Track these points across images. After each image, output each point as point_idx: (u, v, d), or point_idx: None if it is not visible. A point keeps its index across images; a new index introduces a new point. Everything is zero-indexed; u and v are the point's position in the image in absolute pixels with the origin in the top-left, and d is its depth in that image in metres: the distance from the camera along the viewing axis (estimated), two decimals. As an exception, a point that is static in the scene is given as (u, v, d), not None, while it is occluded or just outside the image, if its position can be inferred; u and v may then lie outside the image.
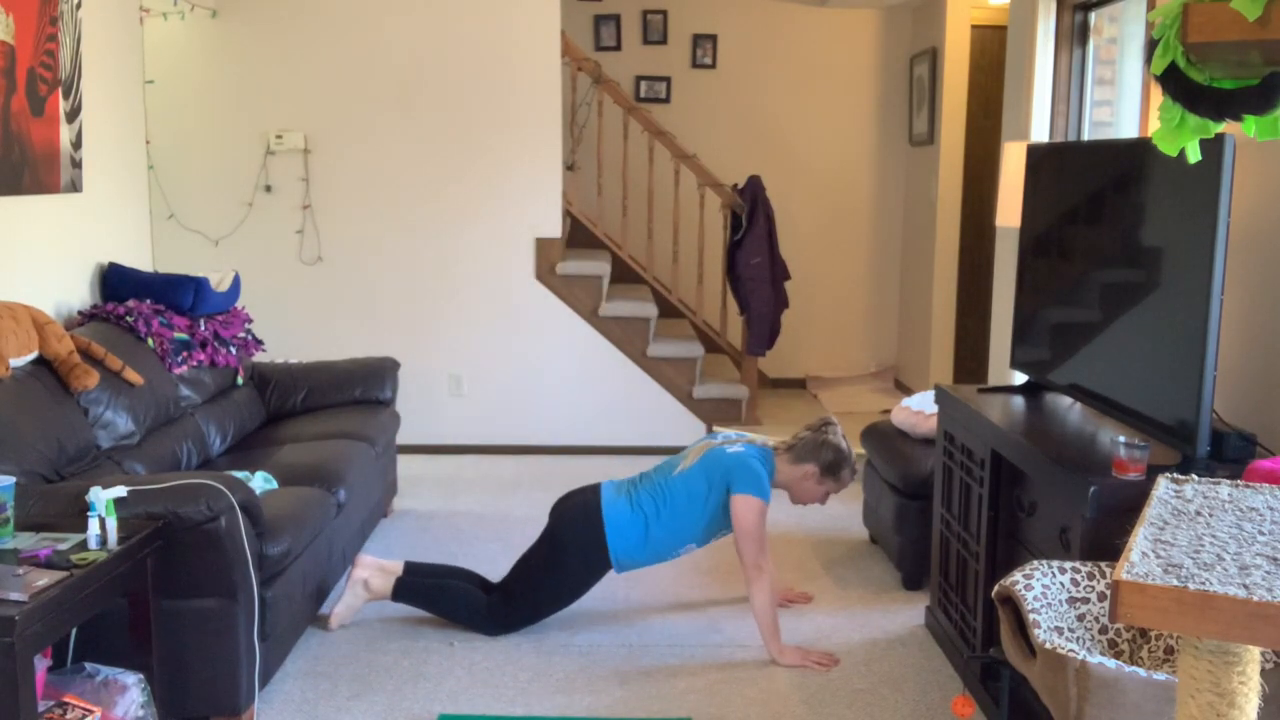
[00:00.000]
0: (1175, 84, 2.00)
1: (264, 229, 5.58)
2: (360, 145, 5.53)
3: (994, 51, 6.25)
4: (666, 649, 3.38)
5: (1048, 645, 1.92)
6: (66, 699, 2.49)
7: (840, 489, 3.47)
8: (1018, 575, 2.15)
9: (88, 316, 3.86)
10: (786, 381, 7.12)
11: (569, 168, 6.23)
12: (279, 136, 5.49)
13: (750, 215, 5.79)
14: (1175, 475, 1.80)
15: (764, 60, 6.90)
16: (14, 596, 2.19)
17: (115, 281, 4.12)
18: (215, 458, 3.93)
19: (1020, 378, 3.81)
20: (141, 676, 2.64)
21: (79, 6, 3.94)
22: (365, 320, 5.66)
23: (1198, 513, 1.62)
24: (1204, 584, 1.34)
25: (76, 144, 3.94)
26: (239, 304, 5.39)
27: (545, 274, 5.63)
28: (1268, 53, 1.87)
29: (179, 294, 4.09)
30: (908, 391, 6.78)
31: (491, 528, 4.50)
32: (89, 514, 2.52)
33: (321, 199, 5.57)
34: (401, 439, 5.57)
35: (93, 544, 2.50)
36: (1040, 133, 4.32)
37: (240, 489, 2.81)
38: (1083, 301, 2.94)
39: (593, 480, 5.15)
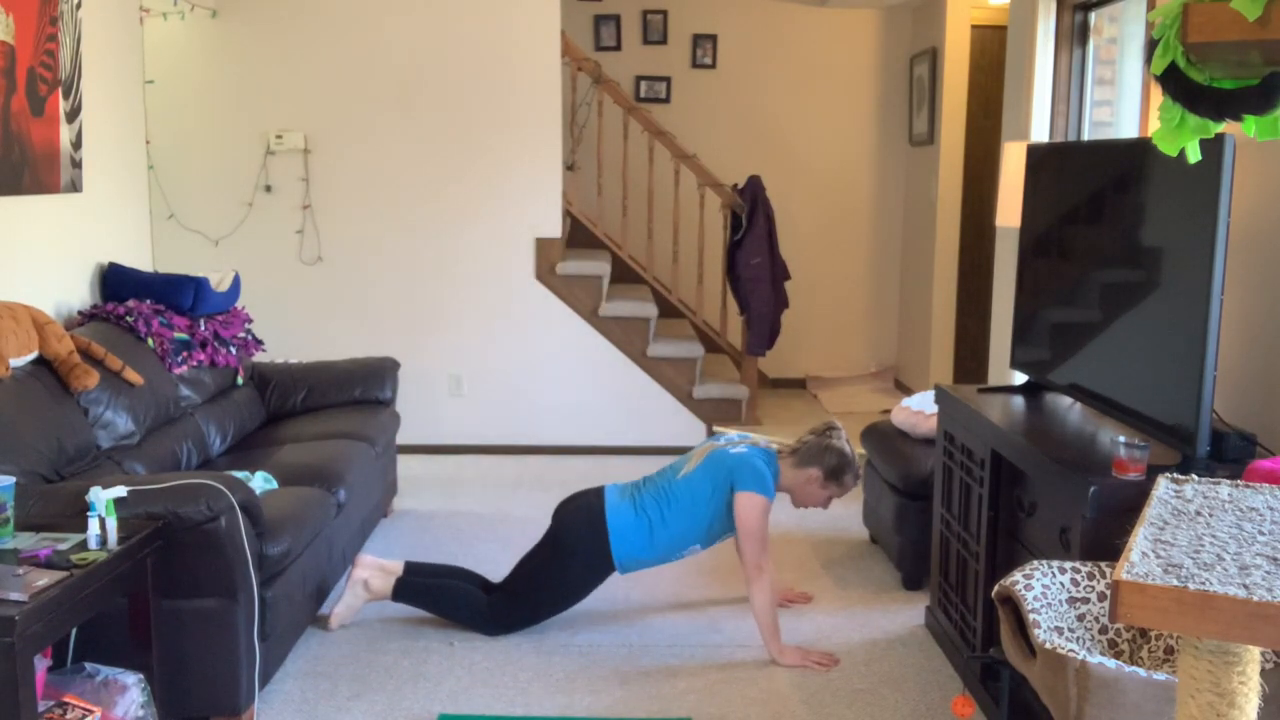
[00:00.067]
0: (1175, 84, 2.00)
1: (264, 229, 5.58)
2: (360, 145, 5.53)
3: (994, 51, 6.25)
4: (666, 649, 3.38)
5: (1048, 645, 1.92)
6: (66, 699, 2.49)
7: (843, 493, 3.47)
8: (1018, 575, 2.15)
9: (88, 316, 3.86)
10: (786, 381, 7.13)
11: (569, 168, 6.23)
12: (279, 136, 5.49)
13: (750, 215, 5.79)
14: (1175, 475, 1.80)
15: (764, 60, 6.90)
16: (14, 596, 2.19)
17: (115, 281, 4.12)
18: (215, 458, 3.93)
19: (1020, 378, 3.80)
20: (141, 676, 2.64)
21: (79, 6, 3.94)
22: (365, 320, 5.66)
23: (1198, 513, 1.62)
24: (1204, 584, 1.34)
25: (76, 144, 3.94)
26: (239, 304, 5.39)
27: (545, 274, 5.63)
28: (1268, 53, 1.87)
29: (179, 294, 4.09)
30: (908, 391, 6.78)
31: (491, 528, 4.50)
32: (89, 514, 2.52)
33: (321, 199, 5.57)
34: (401, 439, 5.57)
35: (93, 544, 2.50)
36: (1040, 133, 4.32)
37: (240, 489, 2.81)
38: (1083, 301, 2.94)
39: (593, 480, 5.19)
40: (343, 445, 3.94)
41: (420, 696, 3.05)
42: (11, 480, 2.55)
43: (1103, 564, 2.24)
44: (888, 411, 5.59)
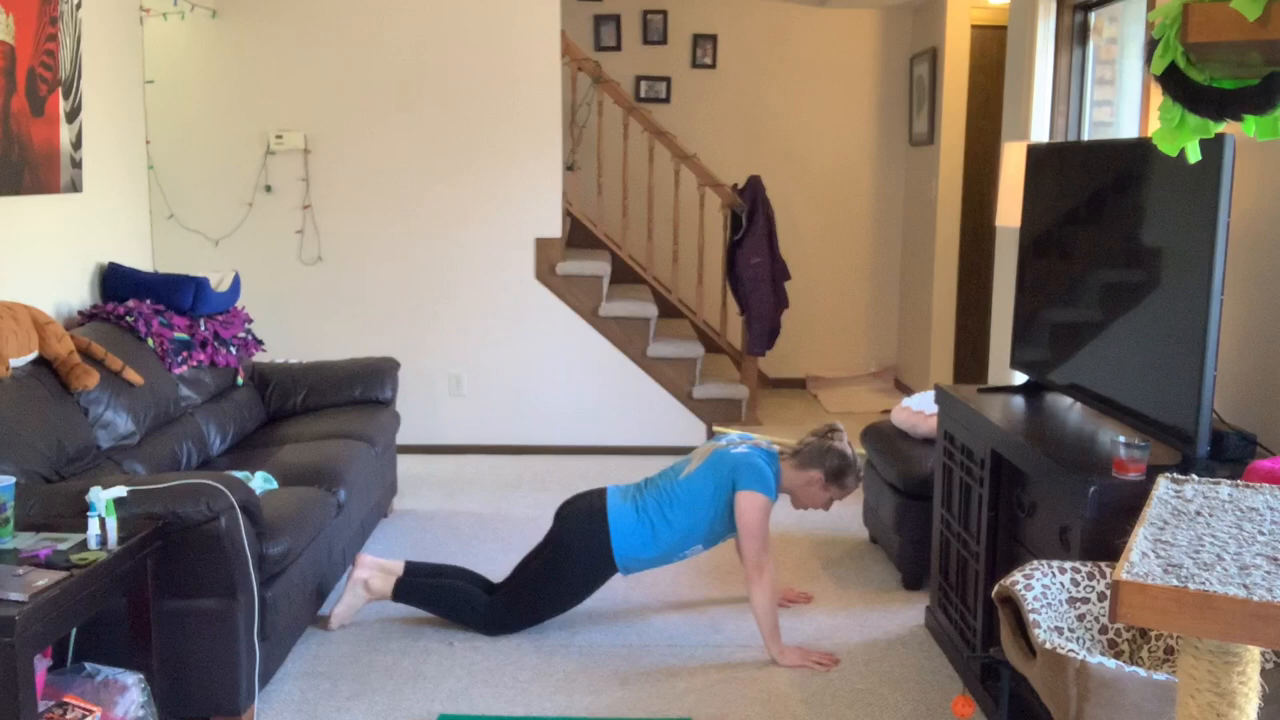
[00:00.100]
0: (1175, 84, 2.00)
1: (264, 229, 5.58)
2: (360, 145, 5.53)
3: (994, 51, 6.25)
4: (666, 649, 3.38)
5: (1048, 645, 1.92)
6: (66, 699, 2.49)
7: (844, 496, 3.47)
8: (1018, 575, 2.15)
9: (88, 316, 3.86)
10: (786, 381, 7.13)
11: (569, 168, 6.23)
12: (279, 136, 5.49)
13: (750, 215, 5.79)
14: (1175, 475, 1.80)
15: (764, 60, 6.90)
16: (14, 596, 2.19)
17: (115, 281, 4.12)
18: (215, 458, 3.93)
19: (1020, 378, 3.81)
20: (141, 676, 2.64)
21: (79, 6, 3.94)
22: (365, 320, 5.66)
23: (1198, 513, 1.62)
24: (1204, 584, 1.34)
25: (76, 144, 3.94)
26: (239, 304, 5.39)
27: (545, 274, 5.63)
28: (1268, 53, 1.87)
29: (179, 294, 4.09)
30: (908, 391, 6.78)
31: (491, 528, 4.50)
32: (89, 514, 2.52)
33: (321, 199, 5.57)
34: (401, 439, 5.58)
35: (93, 544, 2.51)
36: (1040, 133, 4.32)
37: (240, 489, 2.81)
38: (1083, 301, 2.94)
39: (593, 480, 5.19)
40: (343, 445, 3.94)
41: (420, 696, 3.05)
42: (11, 480, 2.55)
43: (1103, 564, 2.24)
44: (888, 411, 5.59)
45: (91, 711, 2.47)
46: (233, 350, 4.28)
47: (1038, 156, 3.28)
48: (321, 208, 5.58)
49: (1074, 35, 4.23)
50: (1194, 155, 2.13)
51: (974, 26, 6.18)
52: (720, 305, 6.37)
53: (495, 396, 5.71)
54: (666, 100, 6.89)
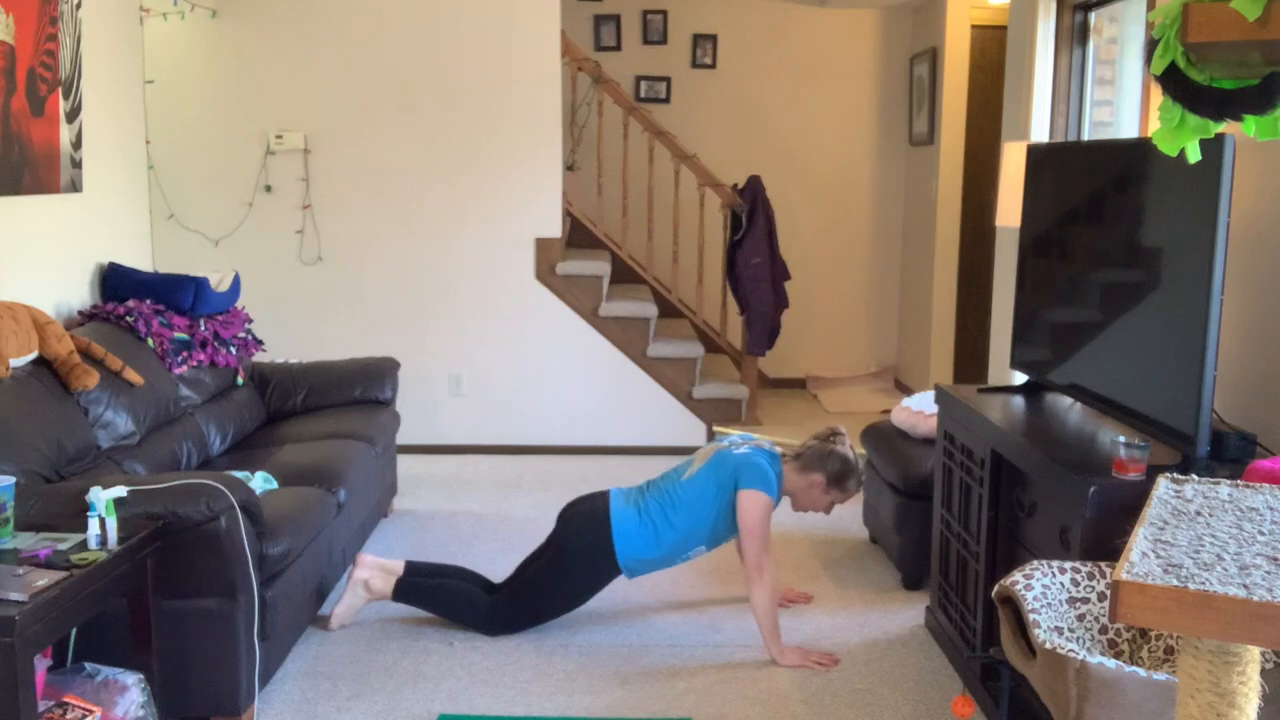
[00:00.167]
0: (1175, 84, 2.00)
1: (264, 229, 5.58)
2: (360, 145, 5.53)
3: (994, 51, 6.25)
4: (666, 649, 3.38)
5: (1048, 645, 1.92)
6: (66, 699, 2.49)
7: (846, 499, 3.47)
8: (1018, 575, 2.15)
9: (88, 316, 3.86)
10: (786, 381, 7.13)
11: (569, 168, 6.23)
12: (279, 136, 5.49)
13: (750, 215, 5.79)
14: (1175, 475, 1.80)
15: (764, 60, 6.90)
16: (14, 596, 2.19)
17: (115, 281, 4.12)
18: (215, 458, 3.93)
19: (1020, 378, 3.80)
20: (141, 676, 2.64)
21: (79, 6, 3.94)
22: (365, 320, 5.66)
23: (1198, 513, 1.62)
24: (1204, 584, 1.34)
25: (76, 144, 3.94)
26: (239, 304, 5.39)
27: (545, 274, 5.63)
28: (1268, 53, 1.87)
29: (179, 294, 4.09)
30: (908, 391, 6.78)
31: (491, 528, 4.50)
32: (89, 514, 2.52)
33: (321, 199, 5.57)
34: (401, 439, 5.57)
35: (93, 544, 2.51)
36: (1040, 133, 4.32)
37: (240, 489, 2.81)
38: (1083, 301, 2.94)
39: (593, 480, 5.19)
40: (343, 445, 3.94)
41: (420, 696, 3.05)
42: (11, 480, 2.55)
43: (1103, 564, 2.24)
44: (888, 411, 5.59)
45: (91, 711, 2.47)
46: (233, 350, 4.28)
47: (1038, 156, 3.28)
48: (321, 208, 5.58)
49: (1074, 35, 4.23)
50: (1194, 155, 2.13)
51: (974, 26, 6.18)
52: (720, 305, 6.37)
53: (495, 396, 5.71)
54: (666, 100, 6.89)
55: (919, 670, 3.24)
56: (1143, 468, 2.35)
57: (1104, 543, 2.33)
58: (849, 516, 4.62)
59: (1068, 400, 3.17)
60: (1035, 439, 2.71)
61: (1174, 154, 2.12)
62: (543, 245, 5.61)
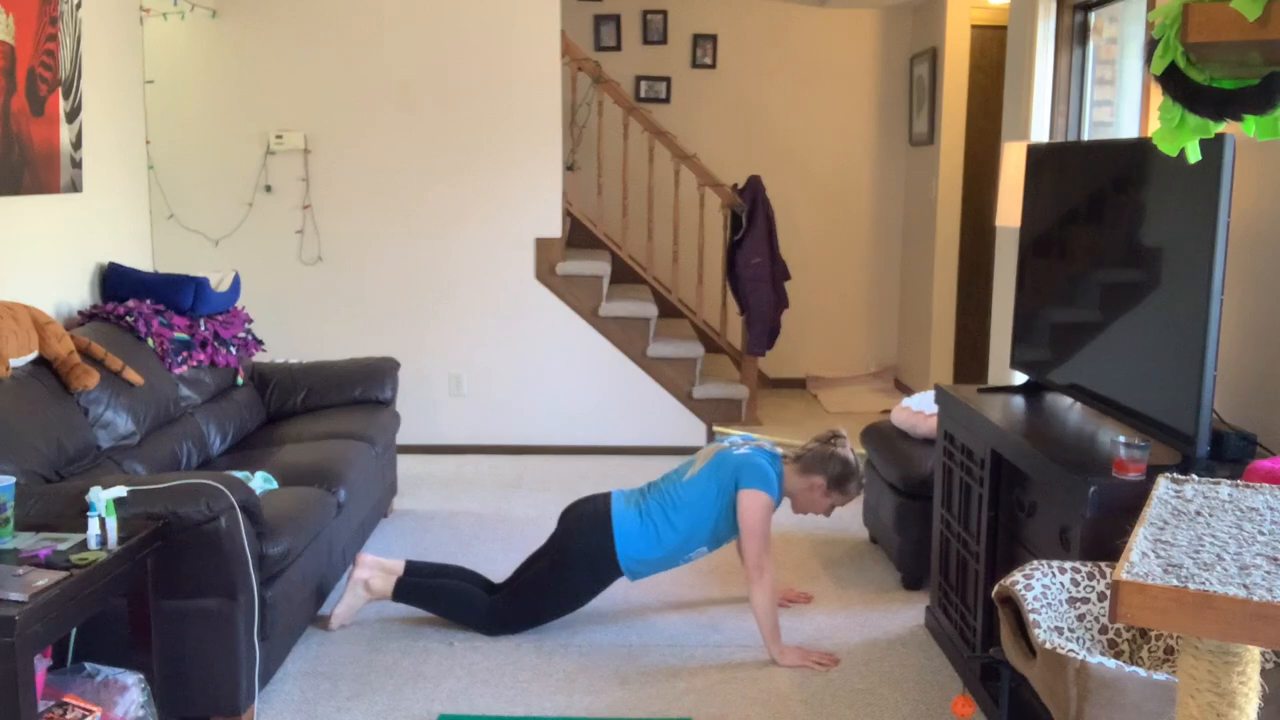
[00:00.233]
0: (1175, 84, 2.00)
1: (264, 229, 5.58)
2: (360, 145, 5.53)
3: (994, 51, 6.25)
4: (666, 649, 3.38)
5: (1048, 645, 1.92)
6: (66, 699, 2.49)
7: (846, 502, 3.47)
8: (1018, 575, 2.15)
9: (88, 316, 3.86)
10: (786, 381, 7.13)
11: (569, 168, 6.23)
12: (279, 136, 5.49)
13: (750, 215, 5.79)
14: (1175, 475, 1.80)
15: (764, 60, 6.90)
16: (14, 596, 2.19)
17: (115, 281, 4.12)
18: (215, 458, 3.93)
19: (1020, 378, 3.80)
20: (141, 676, 2.64)
21: (79, 6, 3.94)
22: (365, 320, 5.66)
23: (1198, 513, 1.62)
24: (1204, 584, 1.34)
25: (76, 144, 3.94)
26: (239, 304, 5.39)
27: (545, 274, 5.63)
28: (1268, 53, 1.87)
29: (179, 294, 4.09)
30: (908, 391, 6.78)
31: (491, 528, 4.50)
32: (89, 514, 2.52)
33: (321, 199, 5.57)
34: (401, 439, 5.57)
35: (93, 544, 2.50)
36: (1040, 133, 4.32)
37: (240, 489, 2.81)
38: (1083, 301, 2.94)
39: (593, 480, 5.19)
40: (343, 445, 3.94)
41: (420, 696, 3.05)
42: (11, 480, 2.55)
43: (1103, 564, 2.24)
44: (888, 411, 5.59)
45: (91, 711, 2.47)
46: (233, 350, 4.28)
47: (1038, 156, 3.28)
48: (321, 208, 5.58)
49: (1074, 35, 4.23)
50: (1194, 155, 2.13)
51: (974, 26, 6.18)
52: (720, 305, 6.37)
53: (495, 396, 5.71)
54: (666, 100, 6.89)
55: (919, 670, 3.24)
56: (1143, 468, 2.35)
57: (1104, 543, 2.33)
58: (849, 516, 4.62)
59: (1068, 400, 3.17)
60: (1035, 439, 2.71)
61: (1174, 154, 2.12)
62: (543, 245, 5.61)
